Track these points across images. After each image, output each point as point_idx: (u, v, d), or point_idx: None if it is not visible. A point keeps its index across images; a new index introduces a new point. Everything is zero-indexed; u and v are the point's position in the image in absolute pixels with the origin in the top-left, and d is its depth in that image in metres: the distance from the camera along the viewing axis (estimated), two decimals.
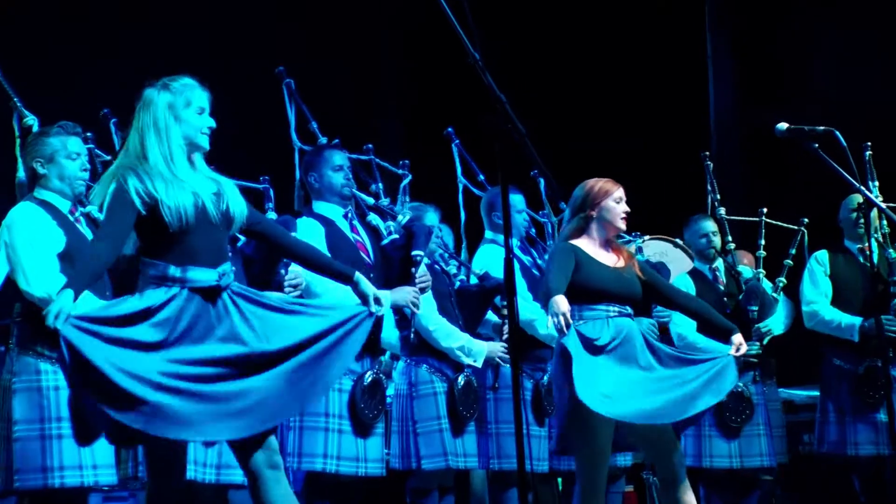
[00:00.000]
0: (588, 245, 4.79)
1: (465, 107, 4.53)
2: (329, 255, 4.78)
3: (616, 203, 4.82)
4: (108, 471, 4.32)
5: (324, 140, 5.32)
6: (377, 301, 3.90)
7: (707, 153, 6.61)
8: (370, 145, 5.50)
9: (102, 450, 4.29)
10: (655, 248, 7.45)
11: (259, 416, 3.66)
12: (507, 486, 5.69)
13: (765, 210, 6.34)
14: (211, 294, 3.70)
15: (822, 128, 4.66)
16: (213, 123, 3.83)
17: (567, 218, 4.89)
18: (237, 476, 4.57)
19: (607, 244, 4.84)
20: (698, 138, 8.30)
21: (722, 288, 6.20)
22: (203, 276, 3.69)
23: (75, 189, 4.41)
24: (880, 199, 5.82)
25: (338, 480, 4.80)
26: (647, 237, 6.99)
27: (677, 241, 7.33)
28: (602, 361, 4.60)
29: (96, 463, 4.27)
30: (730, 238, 6.30)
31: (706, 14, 9.19)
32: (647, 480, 6.57)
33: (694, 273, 6.30)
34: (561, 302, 4.44)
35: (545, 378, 5.73)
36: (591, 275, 4.70)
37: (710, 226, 6.28)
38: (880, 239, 5.98)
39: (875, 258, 5.89)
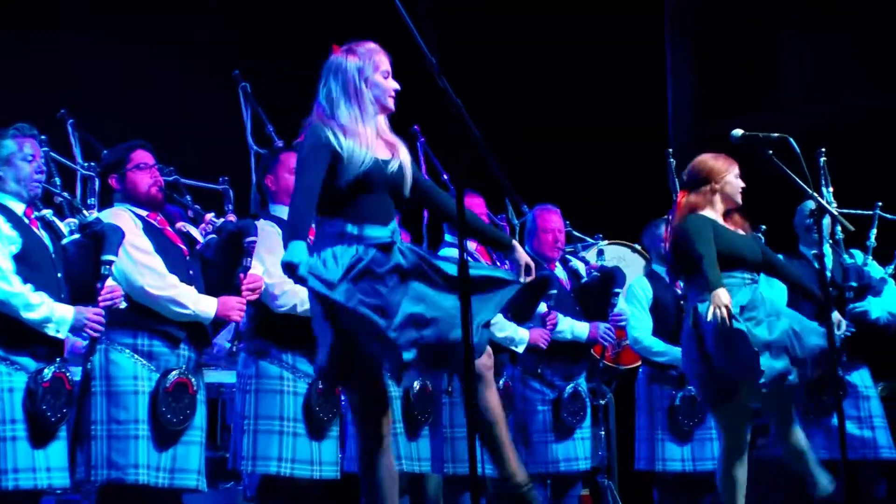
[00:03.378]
0: (712, 216, 5.01)
1: (429, 105, 4.54)
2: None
3: (735, 178, 5.07)
4: (62, 473, 4.29)
5: (280, 143, 5.32)
6: (528, 270, 4.09)
7: (671, 150, 6.66)
8: None
9: (56, 452, 4.27)
10: (614, 253, 7.51)
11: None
12: (461, 490, 5.70)
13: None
14: (386, 249, 3.86)
15: (776, 134, 4.72)
16: (398, 86, 4.01)
17: (680, 192, 5.11)
18: (190, 480, 4.58)
19: (726, 217, 5.06)
20: (657, 144, 8.33)
21: (679, 291, 6.24)
22: (378, 232, 3.86)
23: (31, 191, 4.38)
24: (834, 204, 5.88)
25: (293, 483, 4.80)
26: (605, 241, 7.03)
27: (635, 246, 7.38)
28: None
29: (50, 465, 4.24)
30: None
31: (666, 21, 9.23)
32: (601, 484, 6.60)
33: (651, 275, 6.34)
34: (723, 295, 4.68)
35: (569, 388, 5.85)
36: (728, 242, 4.93)
37: None
38: (831, 244, 6.03)
39: (829, 263, 5.94)
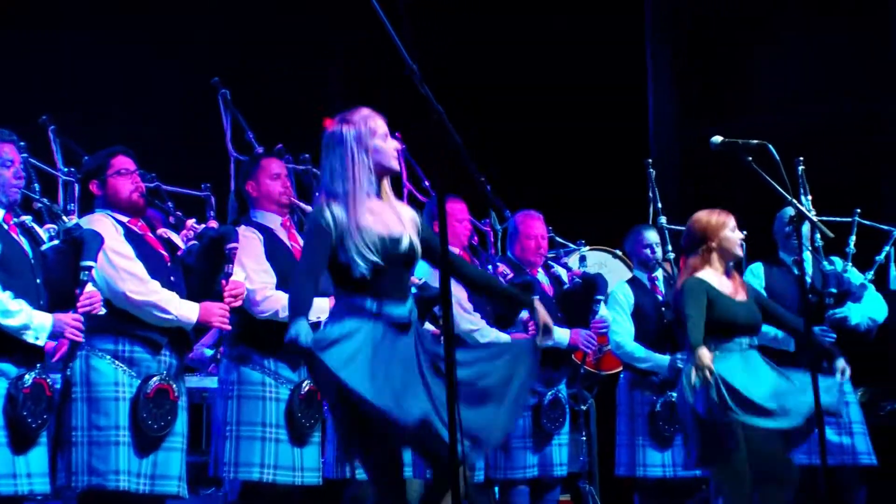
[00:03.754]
0: (712, 277, 5.06)
1: (409, 112, 4.56)
2: (270, 262, 4.83)
3: (732, 232, 5.10)
4: (42, 479, 4.27)
5: (261, 150, 5.32)
6: (547, 332, 4.01)
7: (650, 160, 6.67)
8: (307, 155, 5.51)
9: (37, 458, 4.25)
10: (596, 259, 7.52)
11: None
12: None
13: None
14: (404, 328, 3.85)
15: (755, 141, 4.74)
16: (398, 146, 4.00)
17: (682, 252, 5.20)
18: (172, 486, 4.57)
19: (727, 272, 5.09)
20: (638, 151, 8.36)
21: (661, 297, 6.26)
22: (397, 311, 3.84)
23: (9, 196, 4.36)
24: (813, 212, 5.90)
25: (274, 490, 4.79)
26: (587, 248, 7.05)
27: (616, 251, 7.39)
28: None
29: (31, 472, 4.22)
30: (670, 247, 6.37)
31: (647, 28, 9.26)
32: (583, 489, 6.61)
33: (633, 281, 6.36)
34: (705, 356, 4.77)
35: (550, 395, 5.85)
36: (724, 310, 4.97)
37: (654, 236, 6.35)
38: (811, 251, 6.06)
39: (809, 270, 5.97)
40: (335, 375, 3.68)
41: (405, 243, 3.90)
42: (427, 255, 4.06)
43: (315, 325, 3.97)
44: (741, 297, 5.09)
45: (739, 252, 5.16)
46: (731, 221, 5.13)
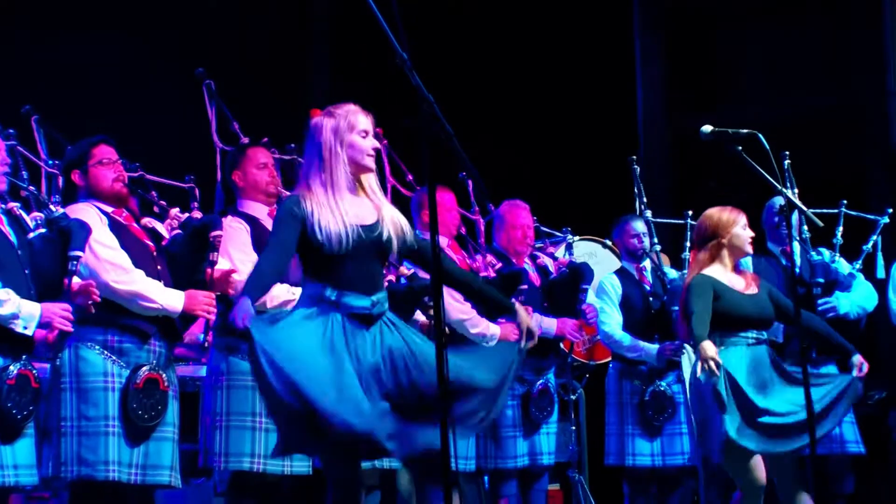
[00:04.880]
0: (720, 273, 5.06)
1: (392, 107, 4.54)
2: (257, 252, 4.81)
3: (743, 230, 5.11)
4: (29, 471, 4.23)
5: (246, 140, 5.30)
6: (530, 335, 4.01)
7: (634, 158, 6.68)
8: (293, 145, 5.48)
9: (23, 450, 4.21)
10: (584, 249, 7.52)
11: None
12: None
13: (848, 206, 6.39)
14: (366, 320, 3.80)
15: (745, 130, 4.73)
16: (377, 145, 3.97)
17: (692, 248, 5.20)
18: (163, 476, 4.55)
19: (736, 269, 5.10)
20: (626, 141, 8.37)
21: (648, 287, 6.27)
22: (358, 301, 3.80)
23: None
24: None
25: (264, 480, 4.78)
26: (576, 237, 7.05)
27: (606, 241, 7.39)
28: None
29: (17, 463, 4.18)
30: (656, 240, 6.38)
31: (635, 18, 9.26)
32: (572, 479, 6.61)
33: (621, 271, 6.37)
34: (709, 348, 4.75)
35: (538, 384, 5.87)
36: (731, 303, 4.97)
37: (641, 226, 6.36)
38: (799, 241, 6.06)
39: (798, 260, 5.97)
40: (268, 358, 3.62)
41: (377, 233, 3.89)
42: (416, 259, 4.11)
43: None
44: (752, 290, 5.10)
45: (749, 249, 5.16)
46: (742, 219, 5.14)
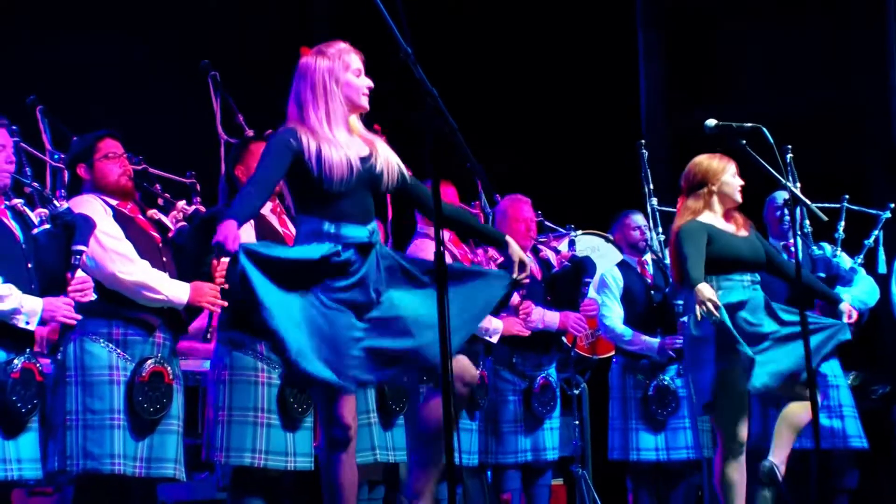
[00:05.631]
0: (712, 219, 5.03)
1: (392, 102, 4.53)
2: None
3: (733, 177, 5.08)
4: (33, 465, 4.24)
5: (251, 133, 5.29)
6: (521, 267, 4.01)
7: (643, 142, 6.68)
8: None
9: (27, 444, 4.22)
10: (587, 243, 7.53)
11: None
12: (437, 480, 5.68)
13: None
14: (364, 250, 3.85)
15: (749, 124, 4.74)
16: (371, 83, 3.96)
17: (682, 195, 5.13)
18: (168, 469, 4.55)
19: (727, 215, 5.08)
20: (629, 135, 8.36)
21: (650, 280, 6.28)
22: (356, 232, 3.84)
23: (1, 182, 4.33)
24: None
25: (266, 475, 4.77)
26: (579, 231, 7.05)
27: (608, 235, 7.39)
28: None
29: (21, 457, 4.19)
30: (660, 230, 6.38)
31: (637, 13, 9.26)
32: (575, 473, 6.61)
33: (622, 265, 6.38)
34: (706, 289, 4.73)
35: (540, 379, 5.87)
36: (726, 246, 4.96)
37: (641, 219, 6.39)
38: (801, 235, 6.06)
39: (800, 255, 5.97)
40: (254, 293, 3.68)
41: (371, 163, 3.91)
42: (416, 203, 4.14)
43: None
44: (743, 233, 5.09)
45: (738, 198, 5.10)
46: (733, 167, 5.11)
